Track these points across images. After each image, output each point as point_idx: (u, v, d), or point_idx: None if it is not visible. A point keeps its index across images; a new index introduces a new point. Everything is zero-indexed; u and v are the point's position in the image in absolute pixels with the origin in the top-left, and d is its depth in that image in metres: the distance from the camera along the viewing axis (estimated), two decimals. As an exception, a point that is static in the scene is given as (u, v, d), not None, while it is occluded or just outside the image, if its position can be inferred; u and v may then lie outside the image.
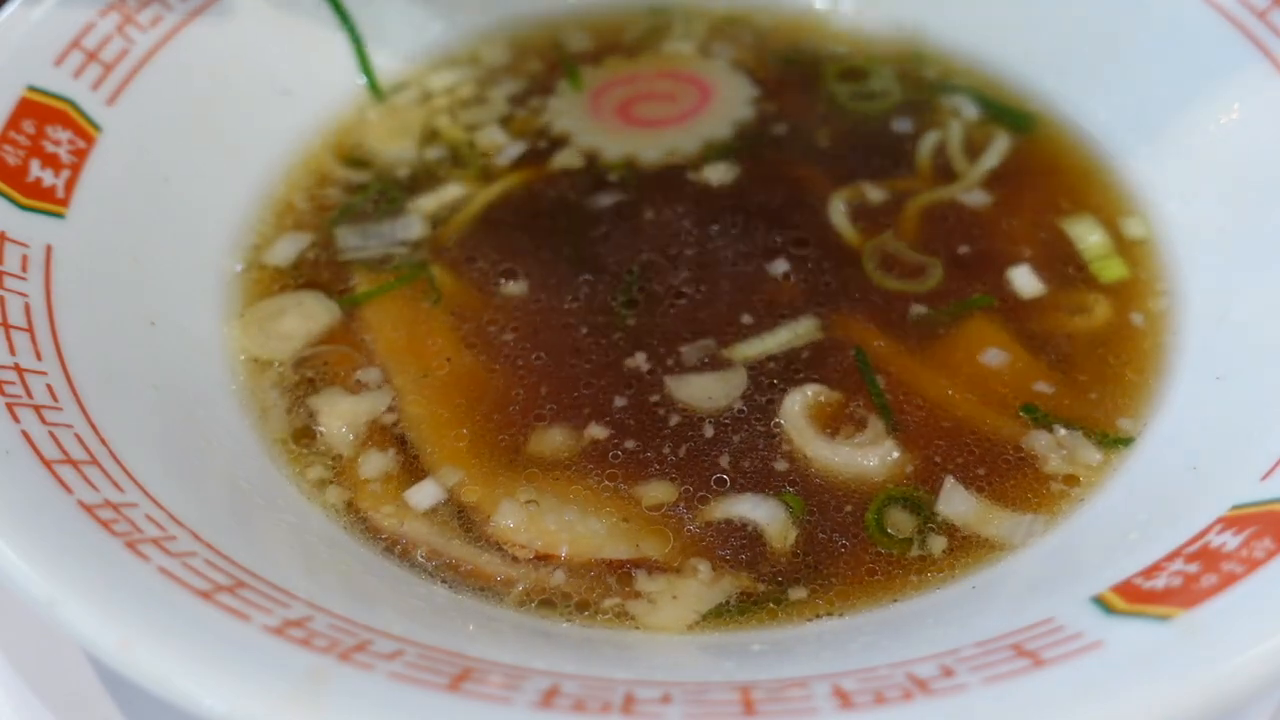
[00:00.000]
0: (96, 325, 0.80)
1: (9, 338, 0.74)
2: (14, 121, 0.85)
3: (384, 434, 0.86)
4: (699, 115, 1.09)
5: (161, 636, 0.58)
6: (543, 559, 0.78)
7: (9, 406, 0.70)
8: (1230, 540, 0.65)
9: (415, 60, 1.13)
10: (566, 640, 0.73)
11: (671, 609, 0.76)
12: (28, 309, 0.77)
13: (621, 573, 0.78)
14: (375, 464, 0.84)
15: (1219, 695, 0.55)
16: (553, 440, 0.84)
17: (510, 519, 0.80)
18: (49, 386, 0.73)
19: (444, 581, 0.77)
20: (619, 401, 0.86)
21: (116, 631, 0.58)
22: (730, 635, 0.75)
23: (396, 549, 0.79)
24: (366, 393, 0.88)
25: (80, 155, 0.87)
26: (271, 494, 0.81)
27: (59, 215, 0.84)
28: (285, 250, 0.98)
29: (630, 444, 0.84)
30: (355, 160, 1.06)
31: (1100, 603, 0.63)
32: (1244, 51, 0.95)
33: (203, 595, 0.61)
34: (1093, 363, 0.89)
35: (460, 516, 0.81)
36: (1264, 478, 0.70)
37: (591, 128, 1.09)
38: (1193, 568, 0.63)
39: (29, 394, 0.72)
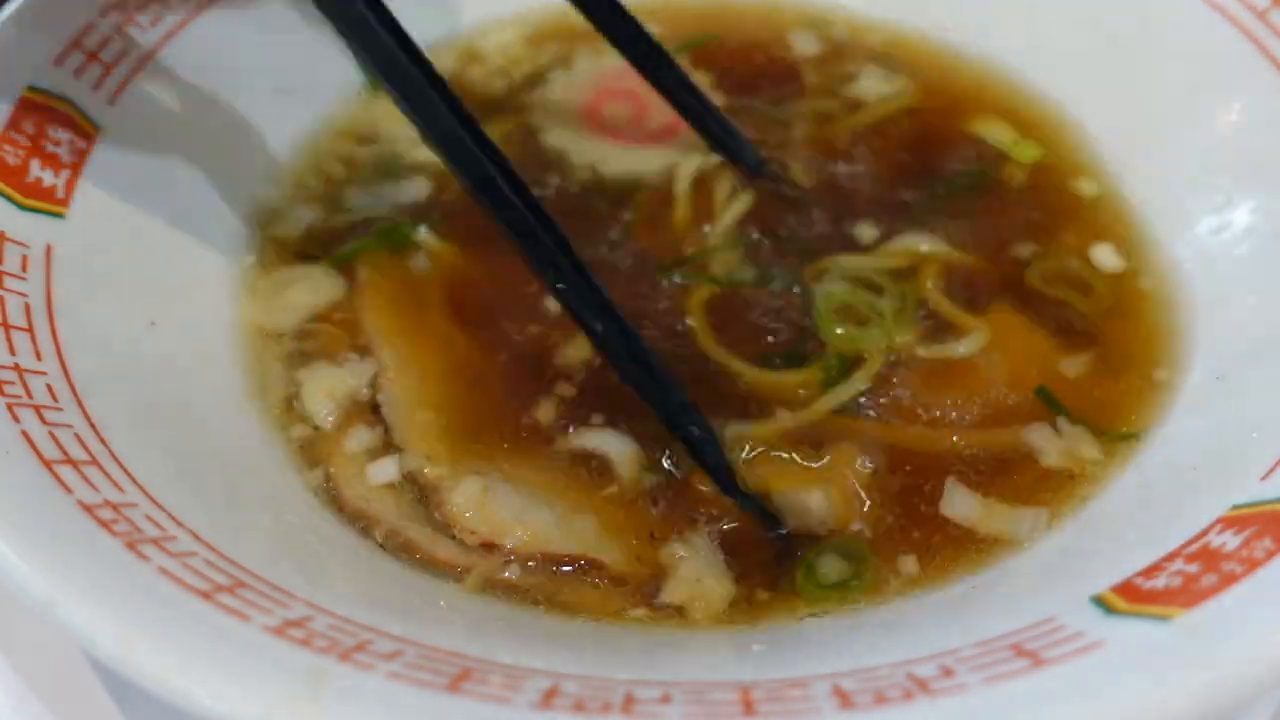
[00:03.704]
0: (96, 325, 0.80)
1: (9, 338, 0.74)
2: (14, 121, 0.85)
3: (362, 409, 0.86)
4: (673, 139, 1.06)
5: (161, 636, 0.58)
6: (490, 548, 0.78)
7: (9, 406, 0.69)
8: (1230, 540, 0.65)
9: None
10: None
11: (711, 588, 0.76)
12: (28, 309, 0.77)
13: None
14: (352, 439, 0.84)
15: (1219, 695, 0.54)
16: (542, 427, 0.85)
17: (467, 505, 0.80)
18: (49, 386, 0.73)
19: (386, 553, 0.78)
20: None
21: (116, 631, 0.58)
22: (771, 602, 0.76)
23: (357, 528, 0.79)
24: (351, 365, 0.88)
25: (80, 155, 0.87)
26: (272, 494, 0.81)
27: (59, 215, 0.84)
28: (291, 225, 0.99)
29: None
30: (363, 137, 1.07)
31: (1100, 603, 0.63)
32: (1244, 51, 0.95)
33: (203, 595, 0.61)
34: (1091, 364, 0.89)
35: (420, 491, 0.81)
36: (1264, 478, 0.70)
37: (568, 125, 1.08)
38: (1193, 568, 0.63)
39: (29, 394, 0.72)
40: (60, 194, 0.85)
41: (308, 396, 0.87)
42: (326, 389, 0.87)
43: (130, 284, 0.86)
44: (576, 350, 0.89)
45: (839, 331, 0.89)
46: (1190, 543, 0.66)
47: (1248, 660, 0.56)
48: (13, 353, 0.74)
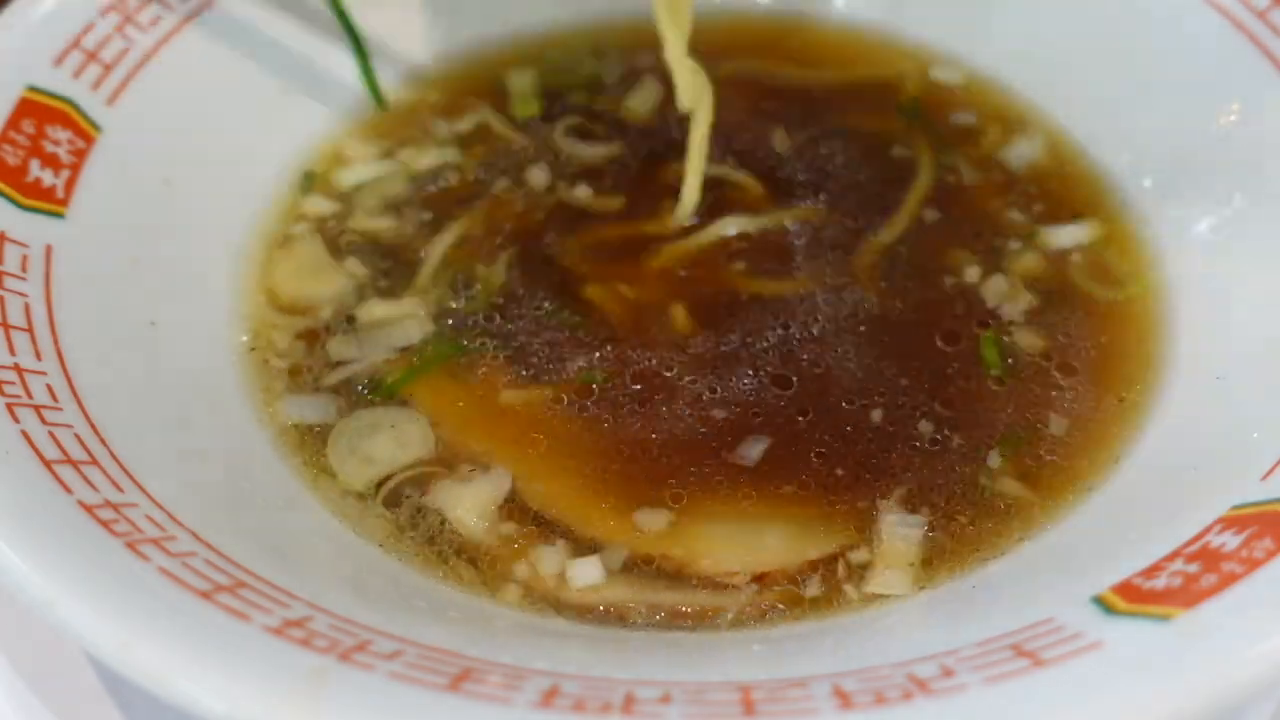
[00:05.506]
0: (96, 325, 0.80)
1: (9, 338, 0.74)
2: (14, 121, 0.85)
3: (517, 514, 0.81)
4: None
5: (161, 636, 0.58)
6: (760, 579, 0.77)
7: (9, 406, 0.69)
8: (1230, 540, 0.65)
9: (417, 64, 1.13)
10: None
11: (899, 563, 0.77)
12: (28, 309, 0.77)
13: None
14: (545, 557, 0.79)
15: (1219, 695, 0.55)
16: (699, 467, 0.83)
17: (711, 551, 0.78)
18: (49, 386, 0.73)
19: (654, 626, 0.75)
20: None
21: (116, 631, 0.58)
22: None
23: (612, 618, 0.76)
24: (479, 477, 0.83)
25: (80, 155, 0.87)
26: (272, 493, 0.81)
27: (59, 215, 0.84)
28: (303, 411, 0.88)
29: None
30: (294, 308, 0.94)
31: (1100, 603, 0.63)
32: (1244, 51, 0.95)
33: (203, 595, 0.61)
34: (1091, 364, 0.89)
35: (652, 567, 0.79)
36: (1264, 478, 0.70)
37: None
38: (1193, 568, 0.63)
39: (29, 394, 0.72)
40: (60, 194, 0.85)
41: (458, 520, 0.81)
42: (474, 507, 0.81)
43: (130, 284, 0.86)
44: (647, 381, 0.87)
45: None
46: (1190, 543, 0.66)
47: (1248, 660, 0.56)
48: (13, 353, 0.74)
